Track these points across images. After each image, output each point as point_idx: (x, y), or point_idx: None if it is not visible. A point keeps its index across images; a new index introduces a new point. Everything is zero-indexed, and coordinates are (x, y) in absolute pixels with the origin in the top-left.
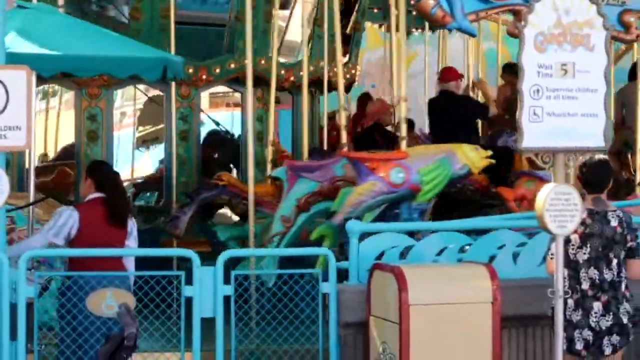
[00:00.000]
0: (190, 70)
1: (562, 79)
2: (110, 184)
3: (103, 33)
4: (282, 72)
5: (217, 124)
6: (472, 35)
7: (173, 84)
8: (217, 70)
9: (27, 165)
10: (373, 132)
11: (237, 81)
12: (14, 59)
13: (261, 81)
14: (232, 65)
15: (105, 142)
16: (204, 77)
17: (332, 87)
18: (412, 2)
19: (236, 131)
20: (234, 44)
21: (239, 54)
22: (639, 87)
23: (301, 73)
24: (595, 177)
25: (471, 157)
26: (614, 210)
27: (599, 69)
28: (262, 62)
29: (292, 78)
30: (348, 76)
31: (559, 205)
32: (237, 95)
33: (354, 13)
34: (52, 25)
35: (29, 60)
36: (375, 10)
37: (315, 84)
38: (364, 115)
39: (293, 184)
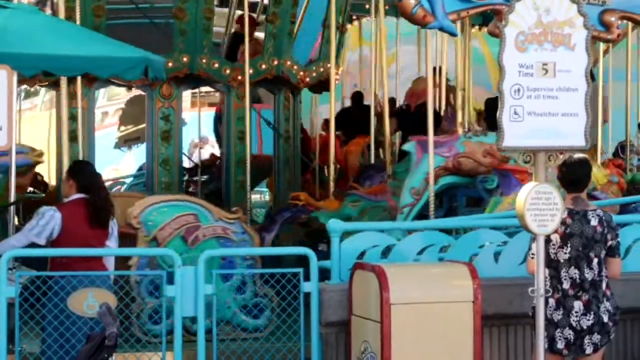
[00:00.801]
0: (227, 72)
1: (543, 78)
2: (93, 185)
3: (85, 32)
4: (301, 73)
5: (269, 123)
6: (453, 34)
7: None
8: (251, 72)
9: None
10: (423, 111)
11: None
12: None
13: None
14: (263, 66)
15: (86, 142)
16: (238, 77)
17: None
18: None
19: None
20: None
21: (268, 55)
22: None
23: (314, 74)
24: (574, 177)
25: (596, 174)
26: (594, 210)
27: (579, 69)
28: (288, 63)
29: (307, 79)
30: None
31: (540, 204)
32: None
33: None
34: (34, 25)
35: (9, 59)
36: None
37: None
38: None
39: (421, 158)
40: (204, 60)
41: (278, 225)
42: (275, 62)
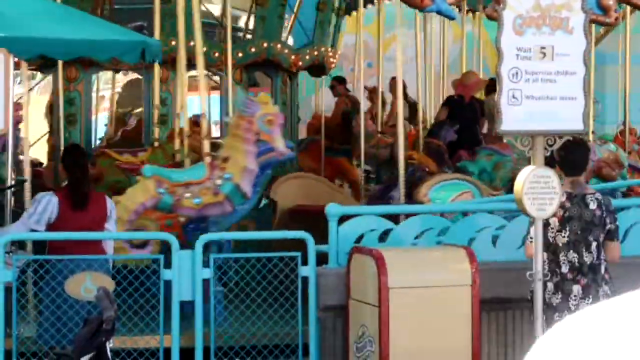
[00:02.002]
0: (216, 54)
1: (541, 62)
2: (74, 167)
3: (82, 16)
4: (292, 57)
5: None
6: (451, 18)
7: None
8: (240, 55)
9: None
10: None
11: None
12: None
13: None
14: (253, 49)
15: (83, 126)
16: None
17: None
18: None
19: (215, 114)
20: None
21: (258, 39)
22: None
23: (307, 57)
24: (572, 160)
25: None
26: (593, 193)
27: (578, 52)
28: (278, 46)
29: (300, 63)
30: (332, 59)
31: (538, 188)
32: (216, 78)
33: None
34: (31, 8)
35: (6, 43)
36: None
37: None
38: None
39: None
40: (191, 44)
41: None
42: (265, 45)
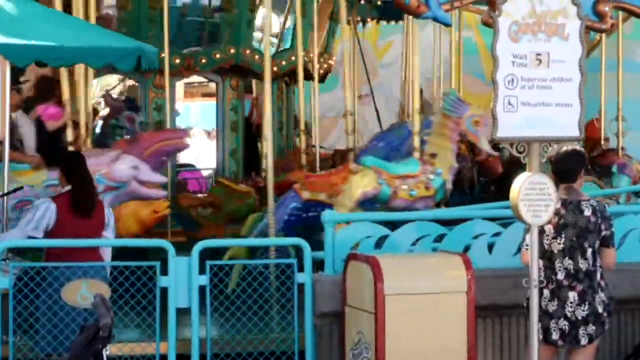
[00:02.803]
0: (177, 61)
1: (537, 68)
2: (74, 174)
3: (78, 22)
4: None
5: None
6: (447, 25)
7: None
8: (204, 61)
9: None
10: None
11: (219, 71)
12: None
13: (244, 71)
14: (218, 56)
15: None
16: (190, 66)
17: (307, 77)
18: None
19: (211, 121)
20: (220, 33)
21: (225, 44)
22: None
23: (283, 63)
24: (566, 167)
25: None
26: (587, 200)
27: (573, 59)
28: (247, 52)
29: (275, 68)
30: (325, 66)
31: (534, 194)
32: (212, 85)
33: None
34: (27, 15)
35: (2, 49)
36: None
37: (293, 73)
38: None
39: None
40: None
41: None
42: (233, 51)
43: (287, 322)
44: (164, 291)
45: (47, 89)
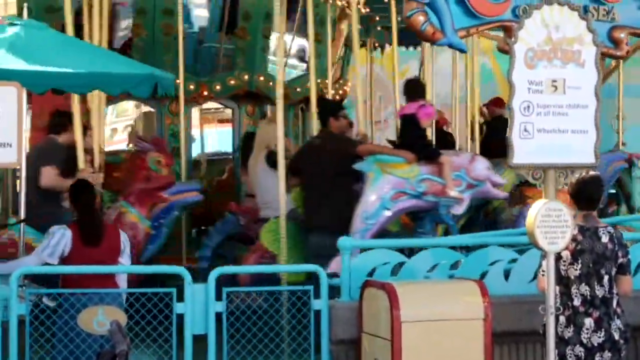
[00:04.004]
0: (192, 87)
1: (553, 95)
2: (80, 204)
3: (94, 49)
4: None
5: None
6: (463, 51)
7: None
8: (218, 87)
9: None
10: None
11: (234, 97)
12: (5, 76)
13: (259, 97)
14: (232, 82)
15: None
16: (205, 93)
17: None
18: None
19: (227, 146)
20: (234, 60)
21: (239, 71)
22: None
23: (298, 89)
24: (589, 195)
25: None
26: (605, 227)
27: (589, 85)
28: (261, 78)
29: (290, 95)
30: (340, 92)
31: (550, 221)
32: (228, 111)
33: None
34: (43, 42)
35: (19, 76)
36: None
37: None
38: None
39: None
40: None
41: None
42: (247, 78)
43: (304, 349)
44: (181, 318)
45: None
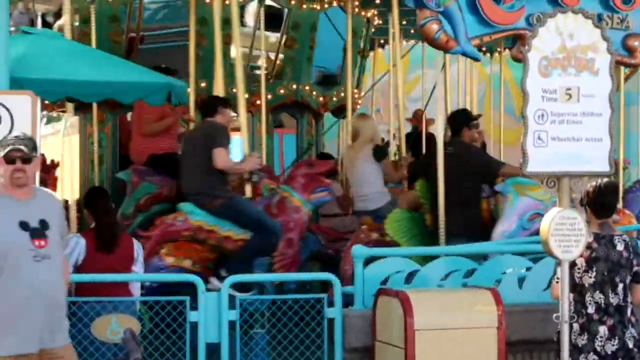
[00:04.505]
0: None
1: (567, 103)
2: (97, 211)
3: (107, 58)
4: (320, 98)
5: None
6: (476, 59)
7: None
8: (269, 97)
9: None
10: None
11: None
12: (19, 84)
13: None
14: (282, 91)
15: (109, 167)
16: (257, 102)
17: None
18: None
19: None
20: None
21: (288, 81)
22: None
23: (334, 99)
24: (606, 203)
25: None
26: (620, 235)
27: (603, 93)
28: (307, 88)
29: (327, 104)
30: (357, 100)
31: (564, 230)
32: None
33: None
34: (57, 51)
35: (33, 85)
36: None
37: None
38: None
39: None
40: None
41: None
42: (294, 87)
43: (317, 357)
44: (194, 326)
45: None
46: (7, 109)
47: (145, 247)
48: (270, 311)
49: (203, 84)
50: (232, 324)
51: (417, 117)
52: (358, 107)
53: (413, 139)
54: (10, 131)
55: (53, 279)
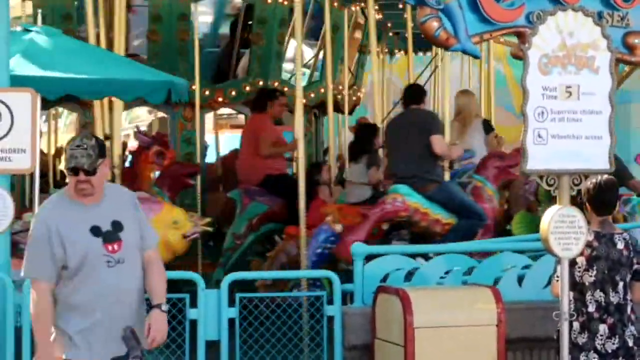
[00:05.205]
0: (207, 93)
1: (567, 101)
2: None
3: (108, 55)
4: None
5: None
6: (476, 57)
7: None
8: (233, 93)
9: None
10: None
11: (248, 103)
12: (19, 82)
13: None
14: (247, 88)
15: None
16: (220, 99)
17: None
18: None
19: None
20: (250, 66)
21: (254, 77)
22: None
23: (312, 95)
24: (606, 200)
25: None
26: (620, 233)
27: (603, 91)
28: (276, 84)
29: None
30: (354, 98)
31: (564, 227)
32: (241, 117)
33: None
34: (57, 48)
35: (33, 82)
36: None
37: (322, 105)
38: None
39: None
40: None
41: None
42: (261, 84)
43: (317, 355)
44: (194, 323)
45: None
46: (7, 107)
47: (364, 226)
48: (270, 309)
49: None
50: (231, 322)
51: None
52: (355, 105)
53: None
54: (10, 129)
55: (125, 285)
